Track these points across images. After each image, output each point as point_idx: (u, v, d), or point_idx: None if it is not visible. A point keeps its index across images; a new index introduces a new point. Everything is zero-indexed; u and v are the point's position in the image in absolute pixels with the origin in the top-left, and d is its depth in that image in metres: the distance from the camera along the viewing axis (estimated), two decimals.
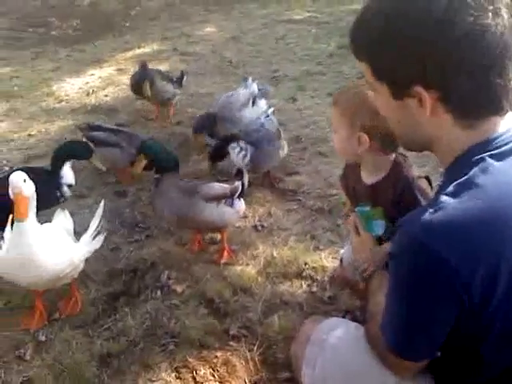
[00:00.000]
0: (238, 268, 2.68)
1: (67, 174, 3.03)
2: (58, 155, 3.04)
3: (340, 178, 2.10)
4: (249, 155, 3.13)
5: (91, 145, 3.33)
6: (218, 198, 2.67)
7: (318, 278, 2.55)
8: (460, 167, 1.17)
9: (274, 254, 2.74)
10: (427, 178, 1.88)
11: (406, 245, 1.15)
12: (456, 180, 1.14)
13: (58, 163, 3.01)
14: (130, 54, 6.37)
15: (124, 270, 2.70)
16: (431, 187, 1.84)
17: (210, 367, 2.13)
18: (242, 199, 2.81)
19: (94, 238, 2.44)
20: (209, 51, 6.14)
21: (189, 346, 2.22)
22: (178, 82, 4.43)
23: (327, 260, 2.66)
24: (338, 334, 1.50)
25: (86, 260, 2.44)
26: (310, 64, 5.53)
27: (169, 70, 5.19)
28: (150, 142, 2.88)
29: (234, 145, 3.13)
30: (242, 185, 2.79)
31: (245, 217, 3.09)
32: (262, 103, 3.81)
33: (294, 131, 4.02)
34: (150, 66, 4.67)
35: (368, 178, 1.88)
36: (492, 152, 1.14)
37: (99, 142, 3.43)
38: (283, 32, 6.72)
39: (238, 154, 3.12)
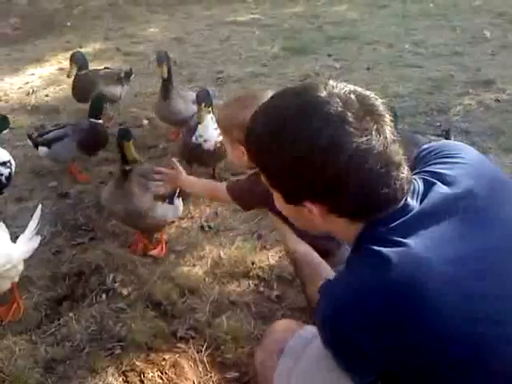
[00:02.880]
0: (185, 269, 2.66)
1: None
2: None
3: None
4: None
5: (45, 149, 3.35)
6: (163, 197, 2.71)
7: (266, 277, 2.56)
8: (354, 253, 1.23)
9: (221, 255, 2.74)
10: None
11: (320, 319, 1.20)
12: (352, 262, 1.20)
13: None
14: (71, 53, 6.21)
15: (67, 273, 2.63)
16: None
17: (158, 370, 2.10)
18: (180, 198, 2.86)
19: (31, 238, 2.39)
20: (152, 51, 6.07)
21: (136, 350, 2.19)
22: (126, 77, 4.36)
23: (274, 259, 2.67)
24: (315, 347, 1.40)
25: (28, 264, 2.38)
26: (254, 65, 5.55)
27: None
28: (129, 131, 2.78)
29: (211, 115, 3.09)
30: None
31: (191, 217, 3.08)
32: None
33: None
34: (93, 66, 4.59)
35: None
36: (377, 236, 1.16)
37: (51, 141, 3.39)
38: (227, 34, 6.72)
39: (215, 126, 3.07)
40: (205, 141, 3.10)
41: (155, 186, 2.72)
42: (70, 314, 2.38)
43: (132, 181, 2.63)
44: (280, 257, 2.68)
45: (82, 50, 6.19)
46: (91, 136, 3.41)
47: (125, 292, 2.50)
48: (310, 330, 1.50)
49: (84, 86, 4.05)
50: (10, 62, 6.08)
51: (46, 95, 5.01)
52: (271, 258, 2.69)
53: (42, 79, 5.44)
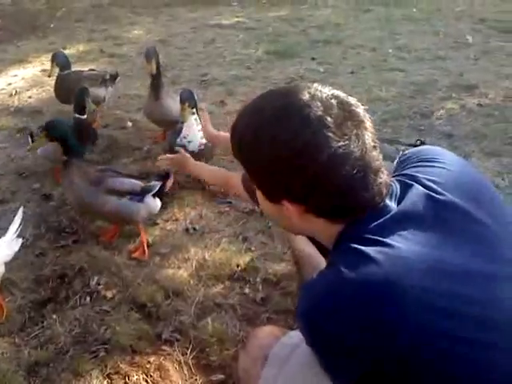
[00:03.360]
0: (170, 271, 2.65)
1: None
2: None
3: None
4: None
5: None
6: (121, 193, 2.70)
7: (251, 279, 2.57)
8: (334, 252, 1.24)
9: (206, 257, 2.73)
10: None
11: (300, 317, 1.19)
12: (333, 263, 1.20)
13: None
14: (52, 53, 6.17)
15: (51, 276, 2.61)
16: None
17: (143, 373, 2.10)
18: (157, 198, 2.81)
19: (12, 241, 2.36)
20: (136, 53, 6.05)
21: (120, 352, 2.18)
22: (111, 80, 4.32)
23: (259, 261, 2.68)
24: (300, 353, 1.40)
25: (11, 267, 2.36)
26: (238, 68, 5.55)
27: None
28: (57, 122, 2.87)
29: (195, 116, 3.08)
30: (163, 186, 2.82)
31: (176, 220, 3.07)
32: None
33: None
34: (77, 67, 4.56)
35: None
36: (357, 235, 1.17)
37: None
38: (212, 36, 6.72)
39: (199, 127, 3.04)
40: (189, 142, 3.09)
41: (119, 181, 2.73)
42: (54, 317, 2.36)
43: (71, 172, 2.69)
44: (265, 259, 2.69)
45: (66, 51, 6.16)
46: (75, 132, 3.36)
47: (109, 294, 2.49)
48: (295, 336, 1.49)
49: (67, 87, 4.01)
50: None
51: (29, 97, 4.98)
52: (256, 260, 2.69)
53: (25, 80, 5.40)
